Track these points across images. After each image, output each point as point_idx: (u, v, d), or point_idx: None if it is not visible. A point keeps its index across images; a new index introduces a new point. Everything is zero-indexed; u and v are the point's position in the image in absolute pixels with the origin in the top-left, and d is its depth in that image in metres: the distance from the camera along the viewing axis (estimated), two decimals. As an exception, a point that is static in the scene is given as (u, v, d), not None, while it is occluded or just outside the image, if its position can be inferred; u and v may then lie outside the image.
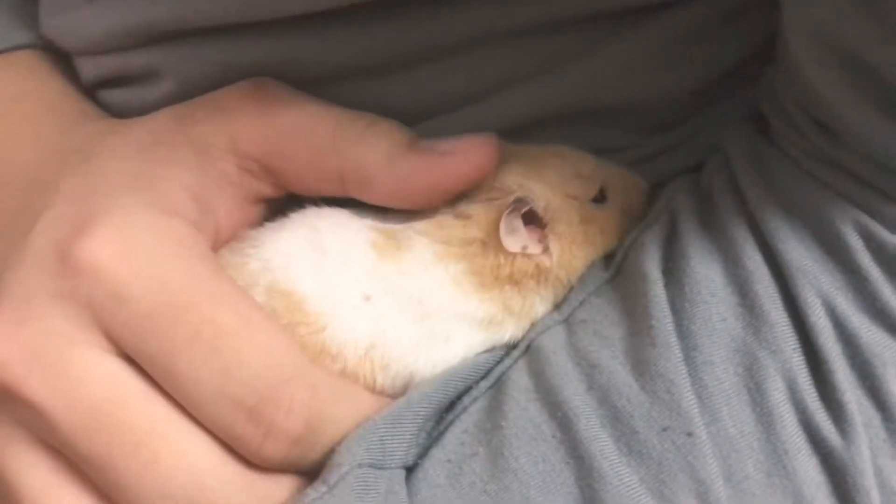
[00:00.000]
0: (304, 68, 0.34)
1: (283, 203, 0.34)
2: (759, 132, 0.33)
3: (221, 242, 0.33)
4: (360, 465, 0.27)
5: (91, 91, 0.39)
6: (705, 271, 0.30)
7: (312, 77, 0.34)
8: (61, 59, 0.40)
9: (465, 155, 0.31)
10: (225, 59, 0.34)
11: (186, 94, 0.35)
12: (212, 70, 0.34)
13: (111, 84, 0.38)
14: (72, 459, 0.28)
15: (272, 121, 0.32)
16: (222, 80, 0.34)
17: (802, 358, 0.28)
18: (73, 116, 0.37)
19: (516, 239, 0.31)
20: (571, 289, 0.32)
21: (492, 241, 0.31)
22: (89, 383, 0.27)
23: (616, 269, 0.32)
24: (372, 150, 0.31)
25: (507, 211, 0.31)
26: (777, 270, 0.29)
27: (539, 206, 0.31)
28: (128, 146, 0.33)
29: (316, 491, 0.27)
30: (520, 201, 0.31)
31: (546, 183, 0.32)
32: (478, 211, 0.32)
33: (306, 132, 0.32)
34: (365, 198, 0.31)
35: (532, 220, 0.32)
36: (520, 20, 0.33)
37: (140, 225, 0.29)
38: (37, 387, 0.27)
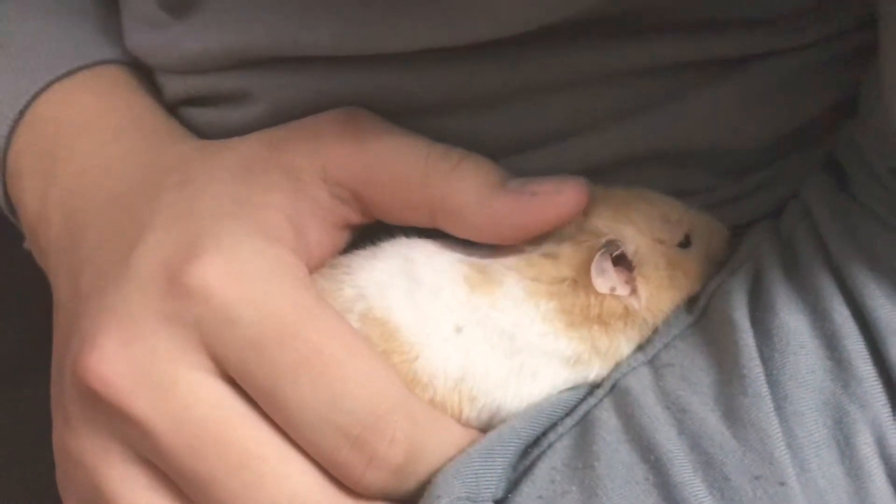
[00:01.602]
0: (398, 101, 0.34)
1: (370, 230, 0.35)
2: (838, 184, 0.34)
3: (312, 268, 0.33)
4: (458, 499, 0.28)
5: (172, 108, 0.40)
6: (794, 323, 0.30)
7: (400, 110, 0.34)
8: (146, 76, 0.41)
9: (556, 197, 0.31)
10: (319, 88, 0.35)
11: (276, 118, 0.35)
12: (305, 97, 0.35)
13: (196, 103, 0.39)
14: (173, 478, 0.28)
15: (364, 149, 0.33)
16: (314, 107, 0.34)
17: (891, 413, 0.29)
18: (161, 134, 0.38)
19: (606, 280, 0.32)
20: (656, 331, 0.33)
21: (582, 281, 0.32)
22: (195, 403, 0.28)
23: (700, 314, 0.33)
24: (463, 185, 0.32)
25: (600, 253, 0.31)
26: (865, 327, 0.30)
27: (629, 249, 0.32)
28: (224, 169, 0.33)
29: (417, 522, 0.28)
30: (611, 244, 0.32)
31: (635, 226, 0.33)
32: (567, 251, 0.32)
33: (398, 162, 0.32)
34: (453, 231, 0.32)
35: (620, 262, 0.33)
36: (616, 64, 0.34)
37: (247, 251, 0.29)
38: (143, 405, 0.28)
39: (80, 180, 0.37)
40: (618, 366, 0.33)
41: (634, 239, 0.33)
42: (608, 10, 0.32)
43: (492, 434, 0.30)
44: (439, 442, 0.29)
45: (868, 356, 0.29)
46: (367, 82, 0.34)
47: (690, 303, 0.34)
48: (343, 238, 0.34)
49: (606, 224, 0.32)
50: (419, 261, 0.33)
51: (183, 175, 0.34)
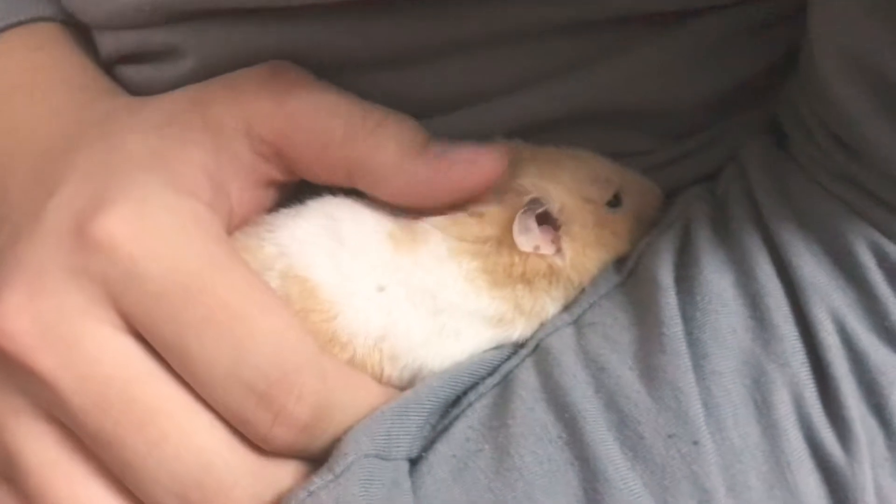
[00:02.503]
0: (326, 55, 0.34)
1: (297, 189, 0.34)
2: (777, 145, 0.33)
3: (234, 225, 0.33)
4: (365, 456, 0.28)
5: (109, 67, 0.39)
6: (718, 281, 0.30)
7: (333, 64, 0.34)
8: (81, 34, 0.40)
9: (475, 164, 0.31)
10: (247, 41, 0.34)
11: (207, 73, 0.34)
12: (233, 51, 0.34)
13: (131, 60, 0.38)
14: (80, 436, 0.28)
15: (286, 107, 0.32)
16: (243, 61, 0.34)
17: (810, 373, 0.28)
18: (91, 91, 0.37)
19: (529, 238, 0.31)
20: (583, 291, 0.33)
21: (506, 240, 0.31)
22: (100, 359, 0.28)
23: (628, 274, 0.32)
24: (381, 148, 0.31)
25: (522, 211, 0.31)
26: (789, 285, 0.29)
27: (554, 207, 0.32)
28: (145, 124, 0.33)
29: (321, 479, 0.27)
30: (535, 202, 0.31)
31: (562, 185, 0.32)
32: (493, 210, 0.32)
33: (318, 122, 0.32)
34: (371, 193, 0.32)
35: (546, 220, 0.32)
36: (548, 19, 0.33)
37: (158, 204, 0.29)
38: (48, 360, 0.28)
39: (7, 139, 0.37)
40: (543, 325, 0.32)
41: (560, 197, 0.32)
42: None
43: (407, 393, 0.30)
44: (351, 400, 0.29)
45: (790, 314, 0.29)
46: (295, 36, 0.34)
47: (620, 263, 0.33)
48: (268, 196, 0.34)
49: (532, 182, 0.32)
50: (343, 219, 0.32)
51: (104, 129, 0.33)
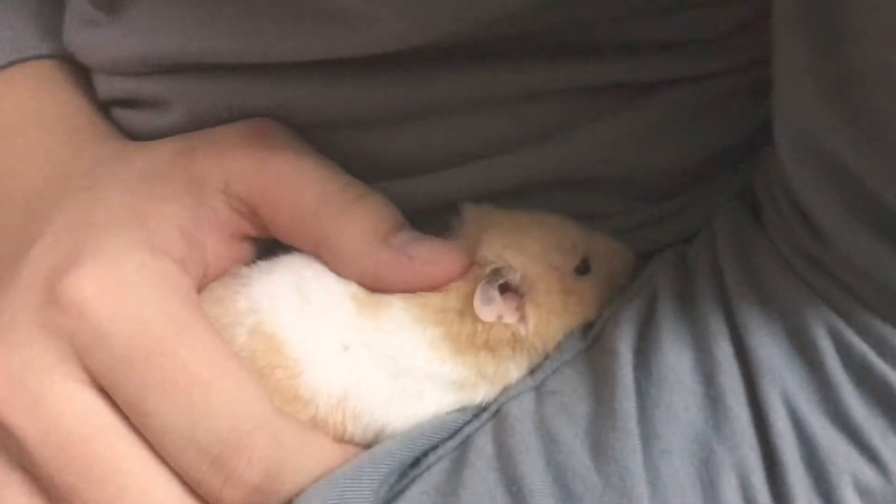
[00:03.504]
0: (304, 115, 0.34)
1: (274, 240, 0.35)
2: (751, 214, 0.33)
3: (210, 277, 0.34)
4: (316, 518, 0.28)
5: (107, 107, 0.40)
6: (675, 357, 0.30)
7: (312, 124, 0.34)
8: (81, 73, 0.41)
9: (431, 267, 0.32)
10: (230, 97, 0.35)
11: (194, 125, 0.35)
12: (217, 105, 0.35)
13: (125, 105, 0.39)
14: (44, 487, 0.29)
15: (265, 166, 0.33)
16: (227, 116, 0.35)
17: (759, 456, 0.28)
18: (85, 135, 0.38)
19: (492, 309, 0.32)
20: (548, 356, 0.33)
21: (469, 310, 0.32)
22: (64, 414, 0.28)
23: (592, 341, 0.33)
24: (350, 229, 0.32)
25: (482, 283, 0.31)
26: (745, 365, 0.29)
27: (515, 277, 0.32)
28: (127, 178, 0.34)
29: (270, 540, 0.28)
30: (496, 272, 0.32)
31: (526, 253, 0.32)
32: (456, 284, 0.32)
33: (294, 188, 0.32)
34: (333, 268, 0.32)
35: (510, 288, 0.32)
36: (522, 87, 0.33)
37: (129, 263, 0.30)
38: (14, 412, 0.29)
39: (2, 182, 0.38)
40: (506, 389, 0.33)
41: (524, 266, 0.32)
42: (510, 30, 0.32)
43: (363, 455, 0.30)
44: (307, 462, 0.29)
45: (743, 395, 0.29)
46: (275, 94, 0.34)
47: (587, 328, 0.33)
48: (244, 249, 0.34)
49: (495, 252, 0.32)
50: (310, 278, 0.33)
51: (89, 181, 0.34)
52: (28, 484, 0.29)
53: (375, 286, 0.32)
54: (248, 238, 0.34)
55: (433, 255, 0.32)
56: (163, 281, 0.30)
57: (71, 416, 0.29)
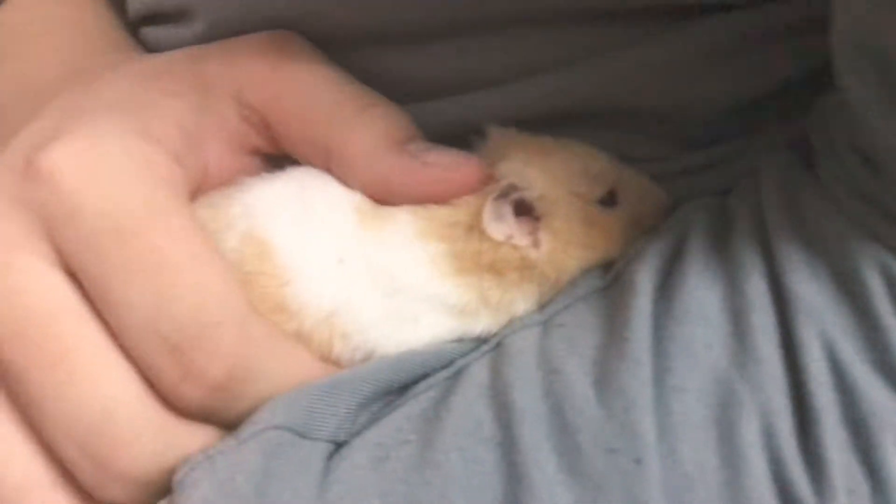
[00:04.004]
0: (327, 29, 0.33)
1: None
2: (803, 162, 0.30)
3: (211, 186, 0.32)
4: (276, 427, 0.25)
5: (136, 28, 0.40)
6: (702, 292, 0.27)
7: (334, 39, 0.33)
8: None
9: (446, 173, 0.29)
10: (254, 6, 0.34)
11: (215, 36, 0.34)
12: (240, 15, 0.34)
13: (151, 21, 0.39)
14: None
15: (279, 75, 0.31)
16: (250, 26, 0.33)
17: (788, 401, 0.25)
18: (102, 44, 0.38)
19: (502, 226, 0.29)
20: (560, 291, 0.30)
21: (477, 226, 0.29)
22: (25, 291, 0.27)
23: (613, 278, 0.29)
24: (358, 136, 0.30)
25: (494, 195, 0.28)
26: (780, 303, 0.26)
27: (532, 195, 0.29)
28: (135, 73, 0.32)
29: (224, 444, 0.26)
30: (511, 187, 0.29)
31: (547, 174, 0.30)
32: (469, 197, 0.29)
33: (307, 94, 0.31)
34: (343, 180, 0.30)
35: (525, 211, 0.29)
36: (557, 5, 0.31)
37: (112, 143, 0.28)
38: None
39: (15, 82, 0.37)
40: (511, 323, 0.29)
41: (542, 186, 0.29)
42: None
43: (343, 372, 0.28)
44: (278, 369, 0.27)
45: (775, 335, 0.25)
46: (297, 5, 0.33)
47: (608, 267, 0.30)
48: (251, 163, 0.33)
49: (512, 167, 0.29)
50: (314, 187, 0.31)
51: (96, 76, 0.33)
52: None
53: (385, 195, 0.29)
54: (257, 153, 0.32)
55: (449, 163, 0.29)
56: (147, 165, 0.28)
57: (32, 294, 0.27)
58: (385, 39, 0.33)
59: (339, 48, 0.33)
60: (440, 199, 0.29)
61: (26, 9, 0.39)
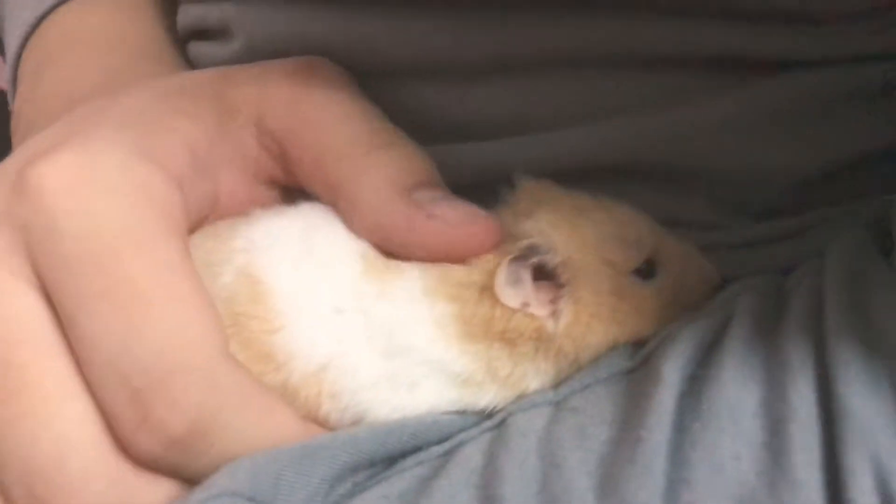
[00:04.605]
0: (368, 53, 0.31)
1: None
2: (878, 247, 0.26)
3: (222, 215, 0.30)
4: (233, 494, 0.23)
5: (185, 42, 0.39)
6: (737, 391, 0.23)
7: (377, 68, 0.31)
8: (169, 4, 0.39)
9: (450, 230, 0.26)
10: (292, 27, 0.32)
11: (252, 57, 0.33)
12: (277, 36, 0.33)
13: (196, 36, 0.38)
14: None
15: (302, 104, 0.29)
16: (285, 49, 0.32)
17: None
18: (143, 56, 0.37)
19: (518, 292, 0.26)
20: (580, 369, 0.26)
21: (491, 288, 0.26)
22: None
23: (641, 361, 0.26)
24: (366, 178, 0.27)
25: (511, 257, 0.25)
26: (828, 415, 0.22)
27: (553, 259, 0.26)
28: (156, 89, 0.31)
29: (172, 506, 0.23)
30: (532, 248, 0.26)
31: (576, 236, 0.26)
32: (487, 256, 0.26)
33: (325, 128, 0.29)
34: (347, 223, 0.28)
35: (547, 276, 0.26)
36: (622, 47, 0.28)
37: (107, 161, 0.26)
38: None
39: (54, 88, 0.36)
40: (519, 399, 0.26)
41: (568, 249, 0.26)
42: None
43: (322, 436, 0.25)
44: (249, 426, 0.24)
45: (817, 455, 0.22)
46: (337, 27, 0.31)
47: (638, 347, 0.27)
48: (268, 194, 0.30)
49: (539, 227, 0.26)
50: (321, 227, 0.28)
51: (120, 90, 0.31)
52: None
53: (387, 245, 0.27)
54: (273, 183, 0.30)
55: (459, 218, 0.26)
56: (141, 187, 0.26)
57: (4, 318, 0.25)
58: (428, 74, 0.31)
59: (379, 80, 0.31)
60: (444, 257, 0.26)
61: (80, 15, 0.38)
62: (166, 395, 0.23)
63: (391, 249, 0.27)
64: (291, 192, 0.31)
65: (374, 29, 0.31)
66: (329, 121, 0.29)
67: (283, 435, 0.25)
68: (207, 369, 0.24)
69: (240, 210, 0.30)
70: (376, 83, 0.31)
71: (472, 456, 0.24)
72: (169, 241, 0.25)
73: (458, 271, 0.26)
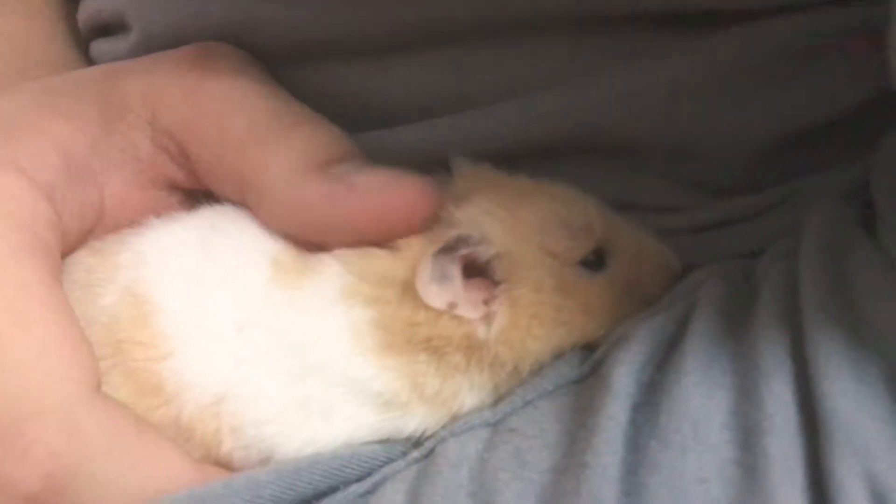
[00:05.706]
0: (276, 36, 0.28)
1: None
2: (859, 219, 0.22)
3: (110, 226, 0.26)
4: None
5: (87, 43, 0.36)
6: (701, 400, 0.19)
7: (284, 51, 0.28)
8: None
9: (376, 197, 0.23)
10: (187, 16, 0.29)
11: (149, 49, 0.30)
12: (173, 26, 0.29)
13: (95, 33, 0.35)
14: None
15: (196, 97, 0.26)
16: (182, 38, 0.28)
17: None
18: (28, 59, 0.34)
19: (443, 290, 0.22)
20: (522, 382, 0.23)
21: (414, 287, 0.22)
22: None
23: (591, 368, 0.22)
24: (274, 160, 0.24)
25: (436, 249, 0.21)
26: (810, 422, 0.18)
27: (486, 251, 0.22)
28: (33, 92, 0.28)
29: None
30: (460, 240, 0.22)
31: (515, 226, 0.23)
32: (413, 245, 0.23)
33: (223, 118, 0.25)
34: (258, 215, 0.24)
35: (480, 272, 0.22)
36: (553, 12, 0.24)
37: None
38: None
39: None
40: (453, 422, 0.22)
41: (504, 241, 0.22)
42: None
43: (215, 483, 0.21)
44: (122, 476, 0.20)
45: (799, 471, 0.18)
46: (240, 11, 0.28)
47: (589, 351, 0.23)
48: (168, 201, 0.27)
49: (472, 215, 0.22)
50: (225, 232, 0.25)
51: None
52: None
53: (306, 234, 0.23)
54: (174, 188, 0.27)
55: (384, 182, 0.22)
56: None
57: None
58: (344, 52, 0.27)
59: (291, 64, 0.28)
60: (374, 235, 0.23)
61: None
62: (16, 448, 0.20)
63: (311, 239, 0.23)
64: (197, 197, 0.27)
65: (274, 7, 0.27)
66: (227, 108, 0.26)
67: (170, 481, 0.21)
68: (65, 412, 0.20)
69: (134, 219, 0.26)
70: (288, 69, 0.28)
71: (392, 496, 0.21)
72: (23, 260, 0.22)
73: (382, 261, 0.23)
